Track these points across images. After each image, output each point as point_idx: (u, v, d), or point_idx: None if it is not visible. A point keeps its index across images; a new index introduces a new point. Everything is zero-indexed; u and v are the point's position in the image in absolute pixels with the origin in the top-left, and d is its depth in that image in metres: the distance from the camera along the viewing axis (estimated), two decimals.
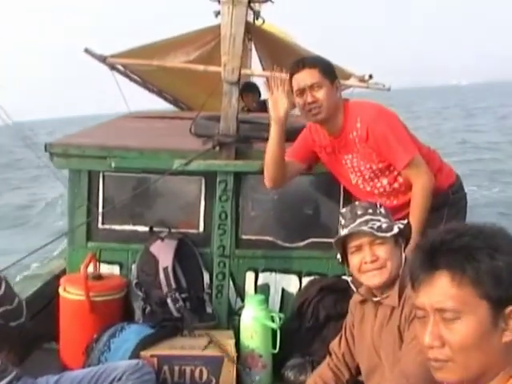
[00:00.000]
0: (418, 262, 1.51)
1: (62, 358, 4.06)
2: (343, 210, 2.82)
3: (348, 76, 5.81)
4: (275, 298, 4.34)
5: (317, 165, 3.98)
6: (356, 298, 2.96)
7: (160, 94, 7.65)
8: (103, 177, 4.33)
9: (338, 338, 3.07)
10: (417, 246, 1.59)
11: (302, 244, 4.33)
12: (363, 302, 2.89)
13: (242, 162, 4.14)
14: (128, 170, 4.27)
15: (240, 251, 4.31)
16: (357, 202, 2.88)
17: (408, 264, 1.50)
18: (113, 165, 4.15)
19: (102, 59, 5.81)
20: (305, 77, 3.52)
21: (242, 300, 4.26)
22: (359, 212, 2.72)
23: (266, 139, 4.17)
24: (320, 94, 3.50)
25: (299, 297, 4.21)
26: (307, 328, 4.05)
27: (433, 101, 72.91)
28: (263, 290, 4.28)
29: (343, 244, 2.78)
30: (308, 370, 3.79)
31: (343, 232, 2.74)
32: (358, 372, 2.98)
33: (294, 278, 4.33)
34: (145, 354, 3.69)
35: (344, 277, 3.98)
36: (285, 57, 6.36)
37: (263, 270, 4.34)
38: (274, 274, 4.33)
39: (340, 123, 3.61)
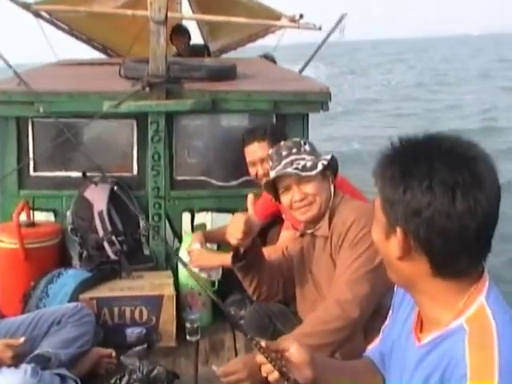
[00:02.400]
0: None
1: (0, 307, 4.02)
2: (270, 152, 2.86)
3: (278, 16, 5.77)
4: None
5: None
6: (296, 233, 3.04)
7: (88, 41, 7.48)
8: (32, 123, 4.24)
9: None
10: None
11: (235, 183, 4.36)
12: (302, 235, 2.96)
13: (173, 102, 4.08)
14: (57, 115, 4.18)
15: (175, 192, 4.31)
16: (282, 142, 2.87)
17: None
18: (41, 110, 4.06)
19: (26, 6, 5.61)
20: (255, 150, 3.60)
21: (180, 241, 4.27)
22: (284, 153, 2.75)
23: (197, 79, 4.14)
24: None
25: None
26: None
27: None
28: (200, 230, 4.29)
29: (274, 185, 2.82)
30: (247, 305, 3.84)
31: (271, 175, 2.80)
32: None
33: (229, 217, 4.34)
34: (84, 297, 3.70)
35: None
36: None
37: (199, 210, 4.36)
38: (209, 213, 4.36)
39: None
